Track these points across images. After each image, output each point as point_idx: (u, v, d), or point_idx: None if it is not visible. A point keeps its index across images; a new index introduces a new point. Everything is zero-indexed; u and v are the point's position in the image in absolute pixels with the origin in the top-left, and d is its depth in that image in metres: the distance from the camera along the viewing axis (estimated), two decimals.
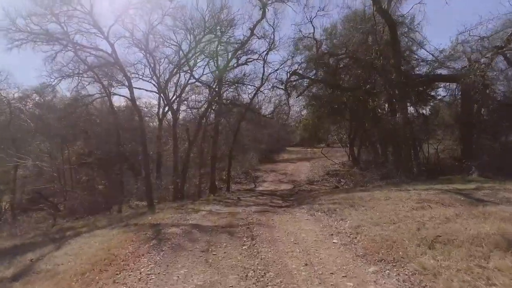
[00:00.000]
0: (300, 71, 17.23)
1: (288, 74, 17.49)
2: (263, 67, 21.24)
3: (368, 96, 16.02)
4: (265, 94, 24.16)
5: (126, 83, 18.19)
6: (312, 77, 16.94)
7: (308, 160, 33.40)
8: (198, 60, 22.83)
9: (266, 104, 26.72)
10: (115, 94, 20.35)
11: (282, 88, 18.83)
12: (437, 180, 12.46)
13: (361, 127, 19.21)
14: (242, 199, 15.47)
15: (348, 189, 14.80)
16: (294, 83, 18.03)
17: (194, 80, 21.99)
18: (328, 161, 28.03)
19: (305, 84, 17.70)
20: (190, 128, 20.44)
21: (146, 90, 24.91)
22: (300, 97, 19.63)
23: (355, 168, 21.86)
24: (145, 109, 30.96)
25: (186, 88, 25.50)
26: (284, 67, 18.30)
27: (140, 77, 22.89)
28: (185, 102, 26.66)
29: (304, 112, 23.47)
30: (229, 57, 19.22)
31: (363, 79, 15.79)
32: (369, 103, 16.06)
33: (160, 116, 27.08)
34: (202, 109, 21.41)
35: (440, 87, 17.01)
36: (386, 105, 16.79)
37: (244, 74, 23.90)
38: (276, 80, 18.87)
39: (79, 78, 17.73)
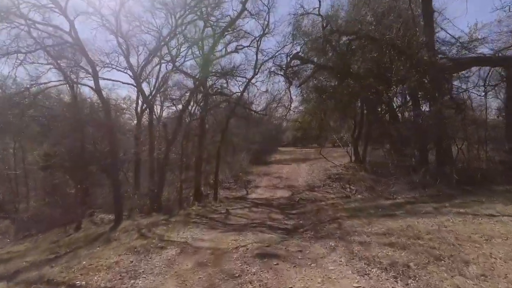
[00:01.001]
0: (302, 55, 14.17)
1: (288, 58, 14.44)
2: (256, 54, 18.19)
3: (386, 85, 13.08)
4: (258, 88, 21.14)
5: (90, 70, 14.90)
6: (317, 63, 13.84)
7: (303, 161, 30.37)
8: (183, 49, 19.72)
9: (258, 99, 23.81)
10: (80, 84, 16.94)
11: (281, 74, 15.77)
12: (498, 193, 9.55)
13: (377, 123, 16.12)
14: (232, 213, 12.41)
15: (370, 202, 11.66)
16: (295, 69, 14.96)
17: (175, 70, 18.78)
18: (327, 163, 25.06)
19: (308, 71, 14.58)
20: (170, 124, 17.21)
21: (123, 83, 21.55)
22: (299, 89, 16.53)
23: (362, 172, 18.92)
24: (123, 105, 27.75)
25: (170, 82, 22.39)
26: (281, 52, 15.24)
27: (114, 66, 19.72)
28: (169, 97, 23.55)
29: (301, 109, 20.36)
30: (215, 38, 15.98)
31: (381, 64, 12.83)
32: (387, 93, 13.18)
33: (139, 112, 23.85)
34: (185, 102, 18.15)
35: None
36: (407, 97, 13.87)
37: (234, 67, 20.91)
38: (274, 65, 15.73)
39: (26, 56, 14.27)
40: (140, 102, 23.38)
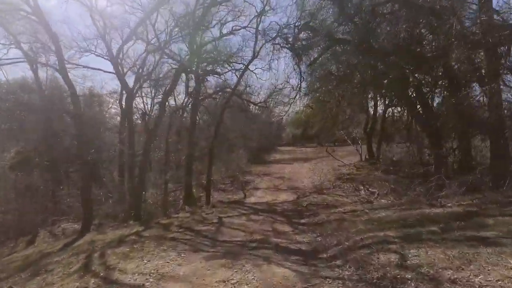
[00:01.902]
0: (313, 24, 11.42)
1: (297, 30, 11.71)
2: (256, 34, 15.52)
3: (417, 64, 10.43)
4: (257, 75, 18.45)
5: (53, 47, 12.18)
6: (332, 35, 11.10)
7: (305, 161, 27.73)
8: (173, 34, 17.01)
9: (257, 90, 21.18)
10: (42, 64, 14.05)
11: (287, 48, 13.02)
12: None
13: (411, 112, 13.15)
14: (226, 222, 9.78)
15: (406, 210, 8.71)
16: (304, 43, 12.25)
17: (159, 51, 16.02)
18: (333, 162, 22.41)
19: (321, 47, 11.79)
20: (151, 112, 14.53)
21: (104, 71, 18.66)
22: (309, 70, 13.73)
23: (378, 172, 16.28)
24: (109, 98, 25.11)
25: (158, 70, 19.68)
26: (287, 24, 12.44)
27: (93, 51, 16.96)
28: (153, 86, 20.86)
29: (309, 96, 17.62)
30: (204, 9, 13.19)
31: (413, 36, 10.18)
32: (419, 74, 10.58)
33: (123, 105, 21.06)
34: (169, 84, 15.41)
35: None
36: (444, 80, 11.20)
37: (230, 51, 18.20)
38: (279, 37, 12.87)
39: None
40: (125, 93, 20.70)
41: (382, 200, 11.51)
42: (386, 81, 11.36)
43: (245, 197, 15.89)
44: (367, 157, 21.31)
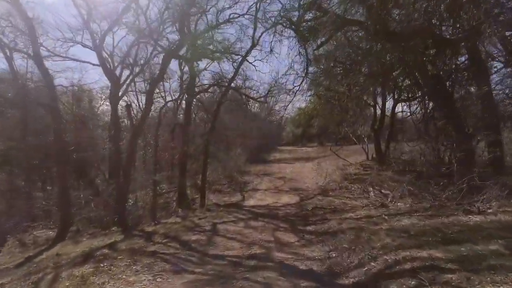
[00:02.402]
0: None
1: (302, 10, 10.25)
2: (254, 21, 14.18)
3: (437, 49, 9.05)
4: (257, 67, 17.07)
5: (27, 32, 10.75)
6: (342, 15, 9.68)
7: (307, 160, 26.36)
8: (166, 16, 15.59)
9: (254, 82, 19.75)
10: (15, 50, 12.55)
11: (291, 28, 11.58)
12: None
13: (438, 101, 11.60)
14: (221, 230, 8.41)
15: (435, 217, 7.21)
16: (310, 23, 10.81)
17: (150, 43, 14.59)
18: (338, 162, 20.99)
19: (329, 29, 10.35)
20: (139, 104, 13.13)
21: (89, 63, 17.11)
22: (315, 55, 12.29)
23: (390, 171, 14.86)
24: (102, 95, 23.67)
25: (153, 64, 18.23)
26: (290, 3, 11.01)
27: (79, 42, 15.53)
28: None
29: (312, 90, 16.23)
30: None
31: (436, 15, 8.81)
32: (440, 59, 9.20)
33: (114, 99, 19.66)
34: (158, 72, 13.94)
35: None
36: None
37: (228, 47, 16.81)
38: (283, 17, 11.38)
39: None
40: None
41: (399, 204, 10.10)
42: (401, 69, 9.95)
43: (243, 199, 14.51)
44: (374, 156, 19.91)
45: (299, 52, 12.26)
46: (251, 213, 11.17)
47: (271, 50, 13.76)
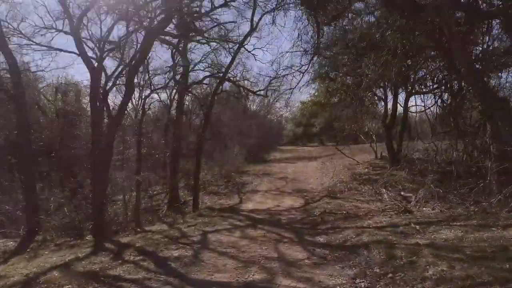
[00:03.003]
0: None
1: None
2: (254, 2, 12.76)
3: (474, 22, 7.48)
4: (256, 56, 15.51)
5: None
6: None
7: (309, 160, 24.78)
8: None
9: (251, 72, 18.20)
10: None
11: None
12: None
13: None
14: (212, 241, 6.87)
15: (482, 230, 5.56)
16: None
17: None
18: (344, 161, 19.41)
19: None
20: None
21: (68, 52, 15.32)
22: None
23: (404, 171, 13.28)
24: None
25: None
26: None
27: (60, 30, 13.93)
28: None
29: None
30: None
31: None
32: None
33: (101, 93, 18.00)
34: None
35: None
36: None
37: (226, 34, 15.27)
38: None
39: None
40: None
41: (425, 209, 8.52)
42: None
43: (241, 202, 12.94)
44: (383, 154, 18.34)
45: (308, 21, 10.46)
46: (249, 219, 9.61)
47: (273, 22, 12.16)
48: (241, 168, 19.53)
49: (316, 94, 17.83)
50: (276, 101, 37.11)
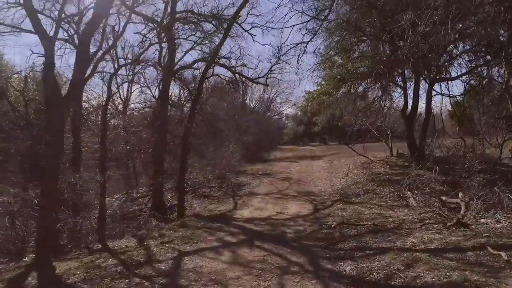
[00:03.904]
0: None
1: None
2: None
3: None
4: (254, 36, 13.32)
5: None
6: None
7: (313, 159, 22.52)
8: None
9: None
10: None
11: None
12: None
13: None
14: (186, 269, 4.63)
15: None
16: None
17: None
18: (354, 159, 17.12)
19: None
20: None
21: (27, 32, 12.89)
22: None
23: (434, 171, 10.98)
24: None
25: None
26: None
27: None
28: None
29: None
30: None
31: None
32: None
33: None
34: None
35: None
36: None
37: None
38: None
39: None
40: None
41: (484, 221, 6.21)
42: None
43: (235, 207, 10.65)
44: (399, 152, 16.08)
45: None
46: (244, 232, 7.36)
47: None
48: (237, 167, 17.23)
49: (323, 83, 15.48)
50: (277, 96, 35.00)
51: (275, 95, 34.11)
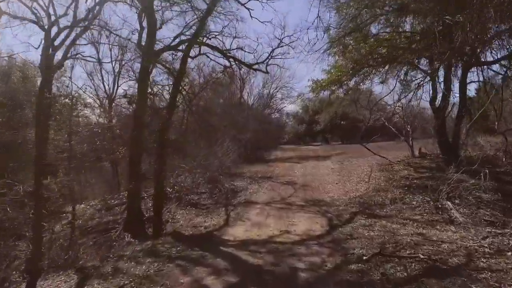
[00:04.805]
0: None
1: None
2: None
3: None
4: (251, 11, 11.02)
5: None
6: None
7: (318, 159, 20.12)
8: None
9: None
10: None
11: None
12: None
13: None
14: None
15: None
16: None
17: None
18: (365, 160, 14.78)
19: None
20: None
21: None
22: None
23: (483, 176, 8.60)
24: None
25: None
26: None
27: None
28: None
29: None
30: None
31: None
32: None
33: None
34: None
35: None
36: None
37: None
38: None
39: None
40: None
41: None
42: None
43: (226, 222, 8.29)
44: (422, 151, 13.76)
45: None
46: (234, 268, 5.04)
47: None
48: (232, 169, 14.84)
49: (332, 71, 13.11)
50: (277, 91, 32.57)
51: (276, 90, 31.48)
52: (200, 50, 10.88)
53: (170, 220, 9.57)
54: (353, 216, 8.03)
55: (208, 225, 8.11)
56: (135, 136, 10.37)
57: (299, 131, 43.09)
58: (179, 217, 9.88)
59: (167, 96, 16.80)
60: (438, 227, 6.95)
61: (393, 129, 14.54)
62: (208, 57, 11.47)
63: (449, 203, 8.19)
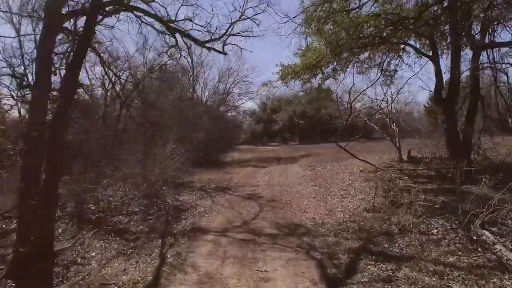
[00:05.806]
0: None
1: None
2: None
3: None
4: None
5: None
6: None
7: (279, 162, 17.59)
8: None
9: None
10: None
11: None
12: None
13: None
14: None
15: None
16: None
17: None
18: (342, 165, 12.27)
19: None
20: None
21: None
22: None
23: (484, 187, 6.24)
24: None
25: None
26: None
27: None
28: None
29: None
30: None
31: None
32: None
33: None
34: None
35: None
36: None
37: None
38: None
39: None
40: None
41: None
42: None
43: (157, 279, 5.13)
44: (411, 155, 11.45)
45: None
46: None
47: None
48: (178, 177, 11.57)
49: (307, 54, 10.38)
50: (234, 86, 29.51)
51: (233, 85, 28.33)
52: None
53: (78, 260, 6.30)
54: (354, 257, 5.30)
55: (126, 281, 4.94)
56: (32, 129, 6.92)
57: (256, 130, 40.58)
58: (93, 254, 6.57)
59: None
60: (493, 279, 4.37)
61: (376, 127, 12.06)
62: (141, 20, 8.18)
63: (487, 233, 5.68)
